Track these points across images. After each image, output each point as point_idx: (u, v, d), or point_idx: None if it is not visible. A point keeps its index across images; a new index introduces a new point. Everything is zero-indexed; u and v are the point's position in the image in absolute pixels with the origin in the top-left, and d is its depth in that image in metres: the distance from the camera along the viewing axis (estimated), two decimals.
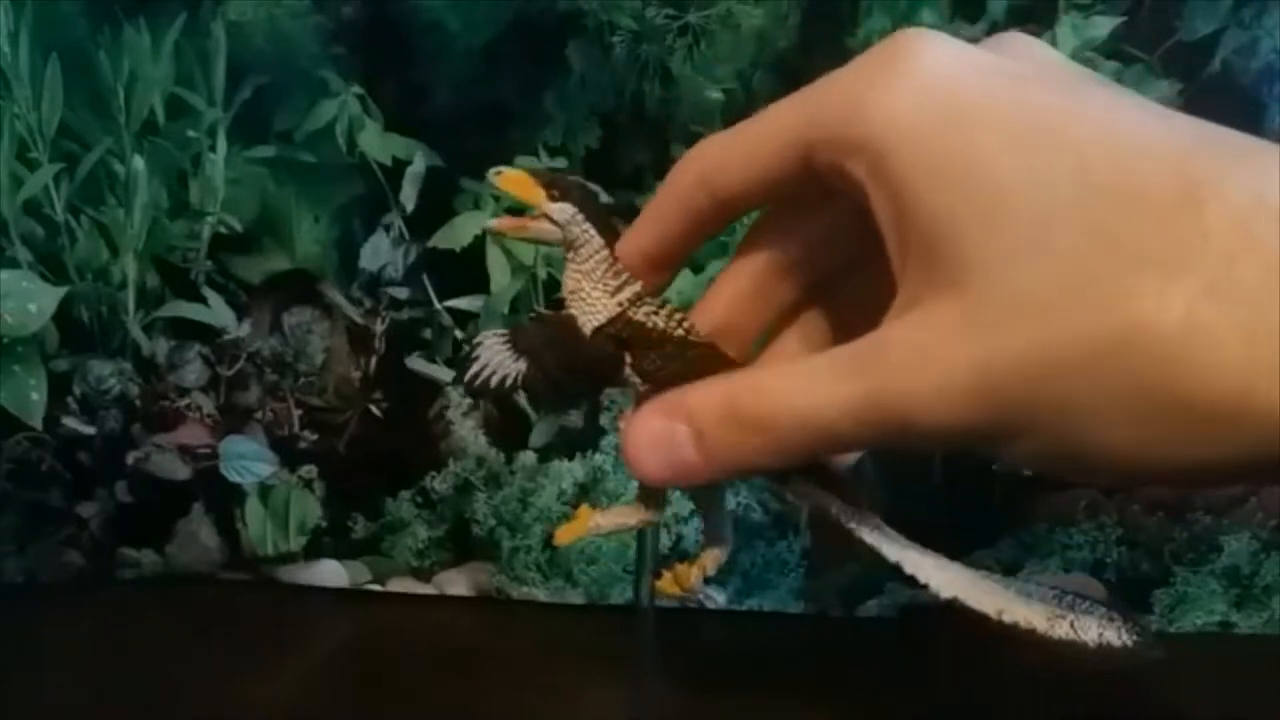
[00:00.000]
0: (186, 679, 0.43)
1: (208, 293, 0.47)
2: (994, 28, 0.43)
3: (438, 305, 0.47)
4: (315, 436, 0.49)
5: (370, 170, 0.45)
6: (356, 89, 0.44)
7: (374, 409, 0.48)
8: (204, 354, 0.48)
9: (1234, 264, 0.18)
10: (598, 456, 0.49)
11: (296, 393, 0.48)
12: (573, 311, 0.27)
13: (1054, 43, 0.42)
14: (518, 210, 0.27)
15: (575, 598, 0.49)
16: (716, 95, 0.44)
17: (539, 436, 0.48)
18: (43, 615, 0.48)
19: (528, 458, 0.49)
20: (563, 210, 0.26)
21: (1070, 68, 0.24)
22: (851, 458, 0.29)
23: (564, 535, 0.28)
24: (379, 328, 0.48)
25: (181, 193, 0.46)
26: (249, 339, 0.48)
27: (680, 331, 0.27)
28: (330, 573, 0.50)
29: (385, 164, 0.45)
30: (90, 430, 0.48)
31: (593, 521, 0.28)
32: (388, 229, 0.46)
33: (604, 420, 0.48)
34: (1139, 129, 0.21)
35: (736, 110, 0.43)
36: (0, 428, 0.47)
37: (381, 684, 0.44)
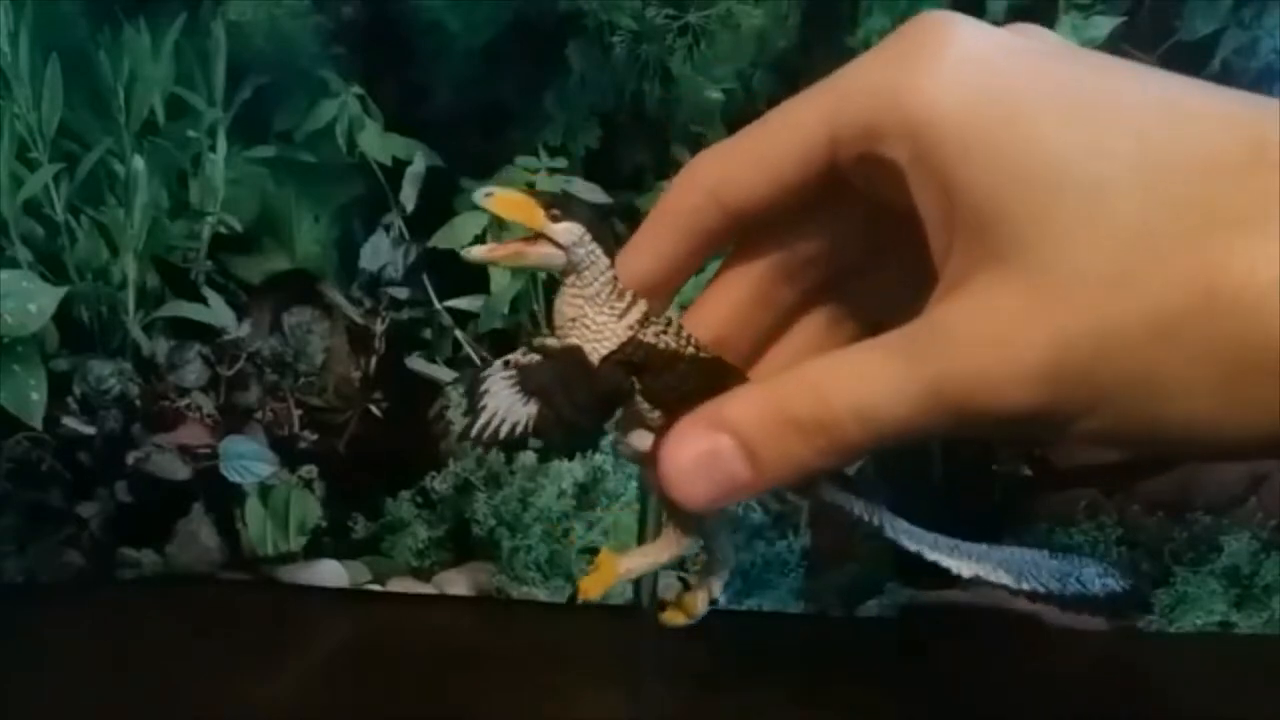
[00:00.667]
0: (186, 679, 0.43)
1: (208, 293, 0.47)
2: None
3: (438, 305, 0.47)
4: (315, 436, 0.49)
5: (370, 170, 0.45)
6: (356, 89, 0.44)
7: (374, 409, 0.48)
8: (204, 354, 0.48)
9: None
10: (597, 457, 0.49)
11: (296, 393, 0.48)
12: (576, 341, 0.24)
13: None
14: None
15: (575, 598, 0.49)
16: (716, 95, 0.44)
17: None
18: (43, 615, 0.48)
19: (528, 458, 0.49)
20: (569, 231, 0.24)
21: (1091, 51, 0.24)
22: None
23: (592, 588, 0.26)
24: (379, 328, 0.48)
25: (181, 193, 0.46)
26: (249, 339, 0.48)
27: (691, 349, 0.25)
28: (330, 573, 0.50)
29: (385, 164, 0.45)
30: (90, 430, 0.48)
31: (623, 568, 0.26)
32: (388, 229, 0.46)
33: None
34: (1189, 98, 0.20)
35: (736, 110, 0.43)
36: (0, 428, 0.47)
37: (381, 684, 0.44)
